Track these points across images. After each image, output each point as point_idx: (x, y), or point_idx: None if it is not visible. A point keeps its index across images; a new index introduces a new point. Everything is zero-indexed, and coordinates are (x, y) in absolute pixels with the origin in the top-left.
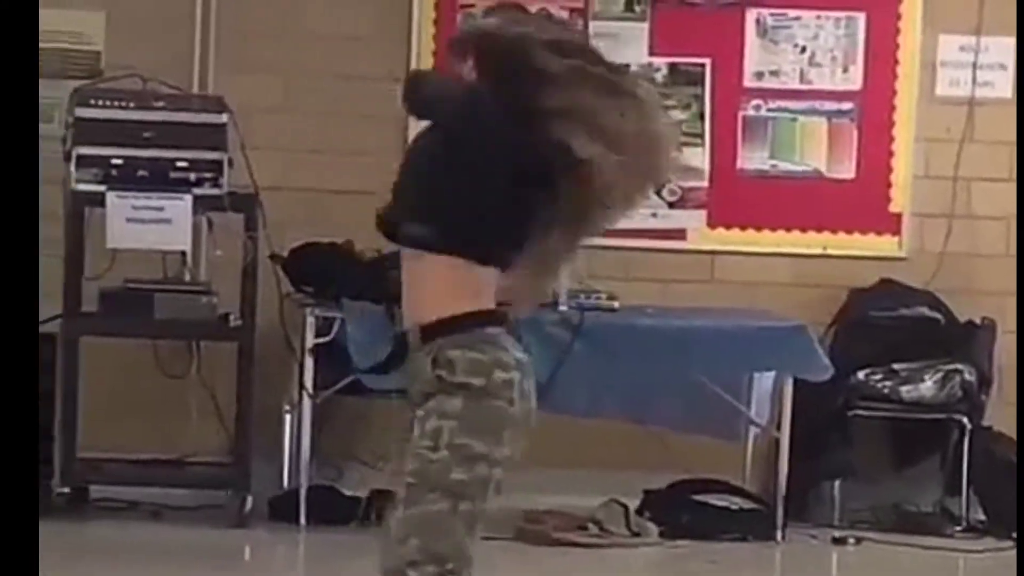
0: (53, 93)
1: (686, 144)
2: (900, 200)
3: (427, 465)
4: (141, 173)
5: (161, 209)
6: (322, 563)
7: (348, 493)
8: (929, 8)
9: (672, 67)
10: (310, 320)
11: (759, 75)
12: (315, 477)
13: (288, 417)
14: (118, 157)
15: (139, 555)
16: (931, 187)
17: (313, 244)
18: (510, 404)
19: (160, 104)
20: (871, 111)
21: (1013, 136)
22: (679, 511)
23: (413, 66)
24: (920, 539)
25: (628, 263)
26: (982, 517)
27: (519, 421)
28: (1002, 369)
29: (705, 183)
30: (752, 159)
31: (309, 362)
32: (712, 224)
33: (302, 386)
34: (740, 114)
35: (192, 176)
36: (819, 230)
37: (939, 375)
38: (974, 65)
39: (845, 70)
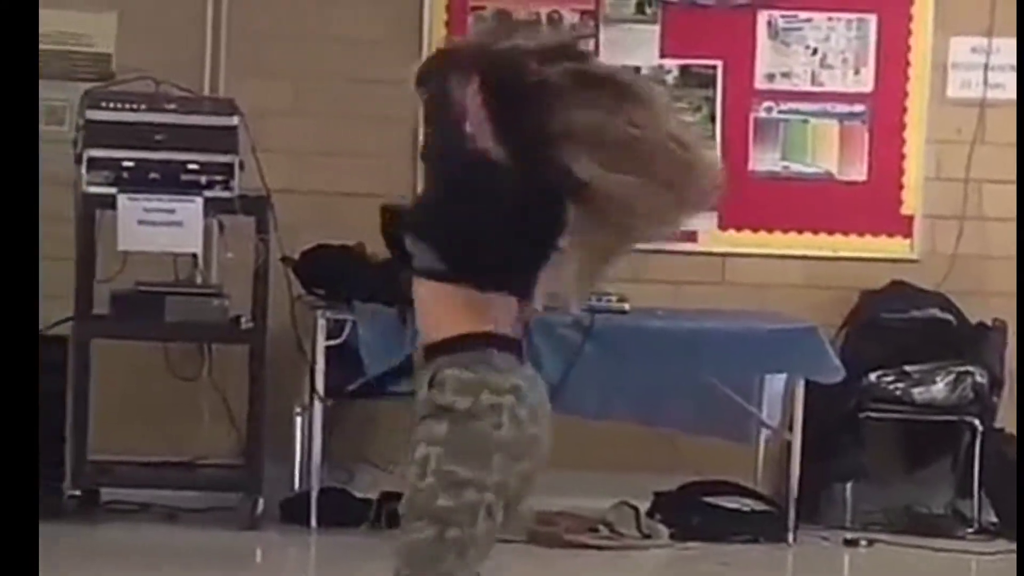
0: (64, 95)
1: None
2: (911, 202)
3: (415, 494)
4: (152, 176)
5: (172, 212)
6: (333, 565)
7: (359, 495)
8: (940, 10)
9: (683, 69)
10: (321, 323)
11: (770, 77)
12: (326, 479)
13: (299, 419)
14: (129, 160)
15: (150, 558)
16: (942, 189)
17: (324, 246)
18: (496, 428)
19: (171, 107)
20: (882, 113)
21: None
22: (690, 513)
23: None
24: (932, 541)
25: (639, 265)
26: (994, 519)
27: (510, 446)
28: (1013, 371)
29: None
30: (763, 161)
31: (320, 365)
32: (723, 226)
33: (313, 388)
34: (751, 116)
35: (203, 179)
36: (830, 232)
37: (951, 377)
38: (985, 67)
39: (856, 72)
